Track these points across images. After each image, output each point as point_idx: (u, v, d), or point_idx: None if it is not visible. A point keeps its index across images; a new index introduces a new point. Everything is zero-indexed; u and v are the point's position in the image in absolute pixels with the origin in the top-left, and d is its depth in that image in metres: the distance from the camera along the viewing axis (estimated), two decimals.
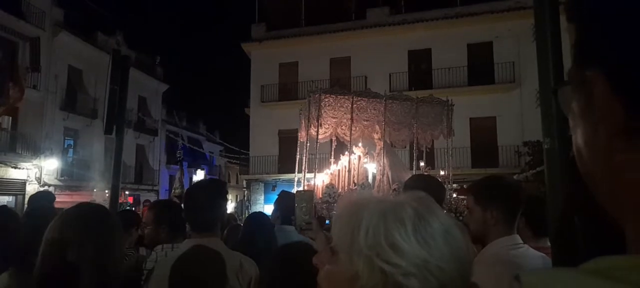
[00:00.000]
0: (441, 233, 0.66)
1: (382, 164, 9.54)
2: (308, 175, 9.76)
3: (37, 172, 18.76)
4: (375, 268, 0.64)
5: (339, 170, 10.47)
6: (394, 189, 8.20)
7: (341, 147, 10.63)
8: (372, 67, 19.69)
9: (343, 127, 9.73)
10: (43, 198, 4.10)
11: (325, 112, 9.19)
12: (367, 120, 9.58)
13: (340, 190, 9.26)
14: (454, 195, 8.65)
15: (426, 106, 9.96)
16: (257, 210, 6.37)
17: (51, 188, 16.46)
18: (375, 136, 10.12)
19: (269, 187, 20.63)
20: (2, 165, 17.51)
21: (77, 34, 20.92)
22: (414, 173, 9.23)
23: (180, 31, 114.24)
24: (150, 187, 25.52)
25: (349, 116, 9.26)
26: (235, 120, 63.23)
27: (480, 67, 18.75)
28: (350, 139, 9.55)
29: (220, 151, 35.17)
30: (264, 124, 21.10)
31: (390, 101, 9.66)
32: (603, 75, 0.38)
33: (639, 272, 0.33)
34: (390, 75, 19.56)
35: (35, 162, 18.61)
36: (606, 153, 0.39)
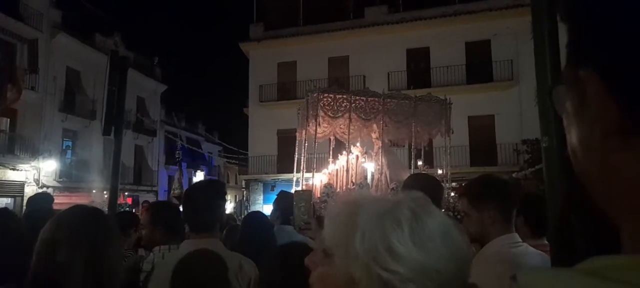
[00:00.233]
0: (439, 234, 0.65)
1: (380, 163, 9.55)
2: (306, 175, 9.77)
3: (36, 173, 18.73)
4: (373, 275, 0.62)
5: (337, 170, 10.49)
6: (392, 188, 8.21)
7: (340, 146, 10.64)
8: (371, 66, 19.69)
9: (341, 127, 9.74)
10: (42, 199, 4.10)
11: (323, 111, 9.20)
12: (365, 119, 9.59)
13: (338, 189, 9.27)
14: (453, 194, 8.65)
15: (424, 105, 9.98)
16: (255, 210, 6.37)
17: (50, 190, 16.42)
18: (374, 135, 10.13)
19: (268, 187, 20.63)
20: (1, 166, 17.48)
21: (75, 35, 20.88)
22: (412, 172, 9.23)
23: (178, 32, 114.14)
24: (149, 188, 25.50)
25: (347, 115, 9.27)
26: (234, 121, 63.24)
27: (479, 66, 18.78)
28: (348, 138, 9.55)
29: (219, 151, 35.17)
30: (263, 123, 21.10)
31: (389, 100, 9.67)
32: (597, 74, 0.38)
33: (635, 272, 0.33)
34: (388, 74, 19.57)
35: (33, 163, 18.58)
36: (601, 153, 0.39)
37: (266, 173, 20.91)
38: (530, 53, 1.58)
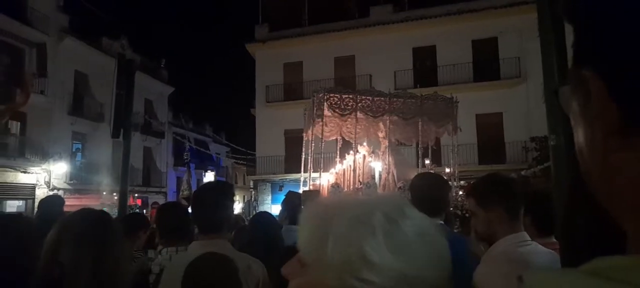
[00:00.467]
0: (416, 238, 0.61)
1: (387, 163, 9.53)
2: (314, 175, 9.77)
3: (46, 176, 18.94)
4: (347, 286, 0.58)
5: (344, 170, 10.48)
6: (400, 187, 8.19)
7: (347, 146, 10.63)
8: (377, 65, 19.66)
9: (348, 126, 9.73)
10: (53, 202, 4.15)
11: (329, 111, 9.20)
12: (371, 119, 9.57)
13: (345, 189, 9.26)
14: (461, 193, 8.62)
15: (431, 104, 9.93)
16: (263, 210, 6.38)
17: (60, 192, 16.59)
18: (380, 135, 10.11)
19: (275, 187, 20.67)
20: (12, 169, 17.70)
21: (82, 39, 21.09)
22: (420, 171, 9.21)
23: (184, 33, 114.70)
24: (158, 190, 25.67)
25: (354, 115, 9.26)
26: (241, 121, 63.45)
27: (485, 63, 18.67)
28: (355, 137, 9.54)
29: (227, 152, 35.29)
30: (270, 124, 21.14)
31: (395, 99, 9.64)
32: (598, 75, 0.38)
33: (638, 272, 0.34)
34: (395, 73, 19.51)
35: (44, 166, 18.79)
36: (602, 152, 0.39)
37: (274, 174, 20.96)
38: (537, 50, 1.58)
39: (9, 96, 16.10)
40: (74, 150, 21.04)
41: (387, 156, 9.59)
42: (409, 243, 0.60)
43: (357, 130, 9.51)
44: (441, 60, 19.39)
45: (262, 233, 2.86)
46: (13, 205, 17.64)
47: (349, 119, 9.41)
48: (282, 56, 21.56)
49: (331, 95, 9.34)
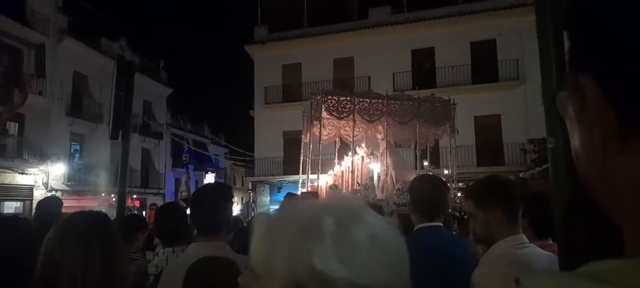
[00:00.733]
0: (368, 243, 0.58)
1: (385, 164, 9.54)
2: (312, 177, 9.77)
3: (44, 177, 18.90)
4: None
5: (342, 171, 10.48)
6: (398, 189, 8.20)
7: (345, 147, 10.64)
8: (375, 67, 19.68)
9: (346, 128, 9.74)
10: (51, 203, 4.15)
11: (327, 113, 9.21)
12: (370, 121, 9.59)
13: (343, 190, 9.27)
14: (459, 195, 8.63)
15: (428, 106, 9.95)
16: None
17: (58, 194, 16.56)
18: (379, 136, 10.12)
19: (274, 188, 20.66)
20: (10, 171, 17.66)
21: (81, 40, 21.06)
22: (418, 173, 9.22)
23: (183, 35, 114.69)
24: (156, 191, 25.64)
25: (351, 117, 9.27)
26: (239, 123, 63.39)
27: (484, 65, 18.71)
28: (353, 139, 9.55)
29: (226, 153, 35.27)
30: (269, 125, 21.14)
31: (392, 101, 9.65)
32: (595, 80, 0.39)
33: (634, 275, 0.34)
34: (393, 75, 19.54)
35: (42, 167, 18.75)
36: (600, 157, 0.40)
37: (273, 175, 20.95)
38: (536, 52, 1.58)
39: (8, 97, 16.08)
40: (72, 151, 21.00)
41: (385, 158, 9.60)
42: (361, 249, 0.57)
43: (356, 132, 9.52)
44: (440, 62, 19.42)
45: None
46: (11, 207, 17.59)
47: (347, 121, 9.43)
48: (281, 57, 21.58)
49: (328, 97, 9.35)
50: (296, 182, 11.20)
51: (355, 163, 9.72)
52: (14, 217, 2.36)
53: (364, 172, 9.88)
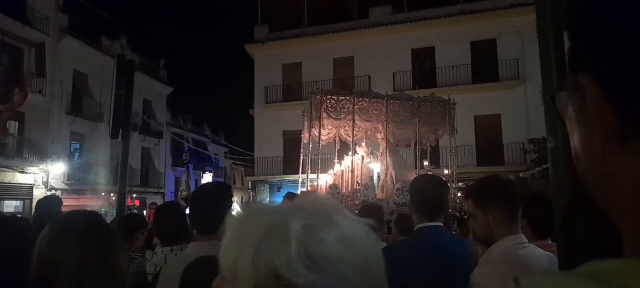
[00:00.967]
0: (337, 245, 0.55)
1: (386, 164, 9.54)
2: (312, 176, 9.77)
3: (44, 176, 18.91)
4: None
5: (342, 171, 10.48)
6: (398, 189, 8.20)
7: (346, 147, 10.64)
8: (376, 66, 19.68)
9: (346, 128, 9.74)
10: (51, 202, 4.14)
11: (327, 113, 9.21)
12: (369, 121, 9.59)
13: (344, 190, 9.27)
14: (459, 195, 8.62)
15: (428, 106, 9.95)
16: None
17: (58, 193, 16.58)
18: (379, 136, 10.12)
19: (274, 188, 20.67)
20: (10, 170, 17.66)
21: (82, 39, 21.07)
22: (418, 172, 9.22)
23: (184, 34, 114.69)
24: (156, 190, 25.64)
25: (351, 117, 9.27)
26: (240, 122, 63.44)
27: (485, 65, 18.70)
28: (353, 139, 9.55)
29: (226, 153, 35.27)
30: (269, 125, 21.14)
31: (392, 101, 9.65)
32: (595, 81, 0.39)
33: (632, 275, 0.34)
34: (394, 75, 19.53)
35: (42, 166, 18.75)
36: (600, 157, 0.40)
37: (273, 175, 20.95)
38: (536, 52, 1.58)
39: (8, 96, 16.09)
40: (72, 150, 21.01)
41: (386, 157, 9.60)
42: (328, 253, 0.54)
43: (356, 131, 9.53)
44: (440, 62, 19.41)
45: None
46: (11, 206, 17.60)
47: (347, 121, 9.43)
48: (281, 57, 21.57)
49: (328, 97, 9.35)
50: (296, 182, 11.21)
51: (356, 163, 9.72)
52: (12, 217, 2.36)
53: (364, 172, 9.88)
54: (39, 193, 17.30)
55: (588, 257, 0.41)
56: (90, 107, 21.24)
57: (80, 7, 21.50)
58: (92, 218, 1.45)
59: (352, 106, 9.23)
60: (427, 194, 2.20)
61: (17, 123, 18.12)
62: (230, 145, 31.40)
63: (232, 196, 2.15)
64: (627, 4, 0.36)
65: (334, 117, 9.24)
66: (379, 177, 9.81)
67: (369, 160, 10.17)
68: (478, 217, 1.76)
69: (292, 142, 18.52)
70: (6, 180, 17.51)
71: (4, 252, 1.55)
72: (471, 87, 18.32)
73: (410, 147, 11.59)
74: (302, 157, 10.32)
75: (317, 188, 9.51)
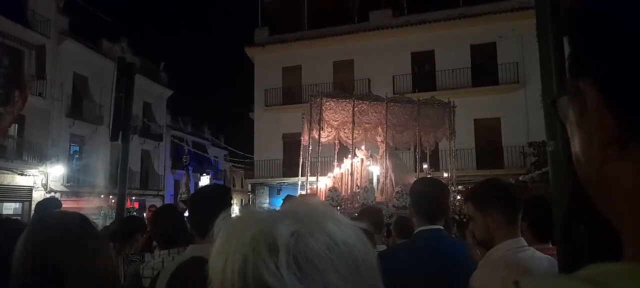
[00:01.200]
0: (327, 251, 0.53)
1: (385, 167, 9.54)
2: (311, 179, 9.77)
3: (44, 178, 18.89)
4: None
5: (342, 174, 10.48)
6: (397, 192, 8.20)
7: (345, 150, 10.64)
8: (376, 69, 19.70)
9: (345, 131, 9.74)
10: (50, 204, 4.14)
11: (327, 115, 9.21)
12: (369, 123, 9.59)
13: (343, 193, 9.27)
14: (458, 197, 8.62)
15: (428, 108, 9.96)
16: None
17: (57, 195, 16.54)
18: (378, 139, 10.12)
19: (273, 190, 20.65)
20: (9, 172, 17.64)
21: (82, 41, 21.09)
22: (418, 175, 9.22)
23: (184, 36, 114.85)
24: (155, 193, 25.62)
25: (351, 119, 9.28)
26: (239, 124, 63.44)
27: (484, 68, 18.72)
28: (353, 142, 9.56)
29: (225, 155, 35.27)
30: (268, 127, 21.15)
31: (392, 104, 9.66)
32: (595, 86, 0.39)
33: (632, 279, 0.34)
34: (393, 78, 19.55)
35: (41, 168, 18.74)
36: (600, 162, 0.40)
37: (272, 177, 20.94)
38: (535, 55, 1.58)
39: (8, 98, 16.10)
40: (71, 152, 20.99)
41: (385, 160, 9.60)
42: (319, 261, 0.52)
43: (355, 134, 9.53)
44: (440, 65, 19.43)
45: None
46: (10, 207, 17.58)
47: (346, 124, 9.43)
48: (281, 60, 21.59)
49: (328, 100, 9.36)
50: (296, 185, 11.20)
51: (355, 165, 9.72)
52: (7, 219, 2.33)
53: (363, 175, 9.88)
54: (38, 196, 17.29)
55: (588, 260, 0.41)
56: (90, 110, 21.24)
57: (81, 10, 21.54)
58: (81, 220, 1.43)
59: (351, 109, 9.24)
60: (427, 197, 2.19)
61: (17, 125, 18.11)
62: (230, 148, 31.39)
63: (231, 198, 2.14)
64: (627, 9, 0.36)
65: (334, 119, 9.25)
66: (378, 179, 9.80)
67: (368, 163, 10.17)
68: (477, 219, 1.76)
69: (291, 145, 18.52)
70: (5, 182, 17.49)
71: (2, 253, 1.54)
72: (471, 90, 18.33)
73: (409, 149, 11.60)
74: (301, 160, 10.31)
75: (317, 191, 9.50)
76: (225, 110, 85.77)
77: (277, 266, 0.50)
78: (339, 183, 10.13)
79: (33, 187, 18.51)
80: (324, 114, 9.16)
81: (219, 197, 2.05)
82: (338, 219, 0.58)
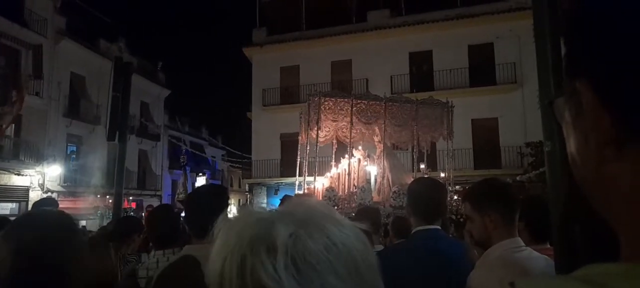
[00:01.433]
0: (325, 253, 0.52)
1: (382, 167, 9.55)
2: (309, 179, 9.77)
3: (41, 178, 18.82)
4: None
5: (339, 174, 10.49)
6: (395, 191, 8.20)
7: (343, 150, 10.65)
8: (373, 69, 19.72)
9: (343, 130, 9.75)
10: (47, 204, 4.13)
11: (325, 115, 9.22)
12: (367, 123, 9.59)
13: (340, 193, 9.27)
14: (456, 197, 8.63)
15: (426, 108, 9.97)
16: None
17: (54, 195, 16.48)
18: (376, 139, 10.13)
19: (271, 190, 20.65)
20: (6, 172, 17.58)
21: (79, 41, 21.03)
22: (415, 175, 9.23)
23: (182, 36, 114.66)
24: (153, 193, 25.56)
25: (349, 119, 9.28)
26: (237, 124, 63.42)
27: (482, 68, 18.75)
28: (350, 142, 9.56)
29: (223, 155, 35.23)
30: (266, 127, 21.14)
31: (390, 103, 9.67)
32: (591, 86, 0.39)
33: (629, 280, 0.34)
34: (391, 78, 19.58)
35: (38, 168, 18.67)
36: (596, 163, 0.40)
37: (270, 177, 20.93)
38: (533, 55, 1.59)
39: (6, 98, 16.04)
40: (68, 152, 20.93)
41: (382, 160, 9.61)
42: (318, 263, 0.51)
43: (353, 134, 9.53)
44: (437, 65, 19.47)
45: None
46: (6, 208, 17.50)
47: (344, 123, 9.43)
48: (279, 60, 21.59)
49: (326, 99, 9.36)
50: (293, 184, 11.20)
51: (352, 165, 9.72)
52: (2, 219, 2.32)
53: (361, 175, 9.88)
54: (35, 196, 17.23)
55: (584, 260, 0.40)
56: (87, 109, 21.18)
57: (78, 9, 21.48)
58: (69, 219, 1.41)
59: (350, 108, 9.25)
60: (425, 197, 2.19)
61: (13, 125, 18.03)
62: (228, 148, 31.33)
63: (227, 198, 2.12)
64: (623, 10, 0.36)
65: (332, 119, 9.26)
66: (375, 179, 9.81)
67: (365, 163, 10.18)
68: (475, 219, 1.76)
69: (289, 145, 18.52)
70: (2, 182, 17.43)
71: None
72: (468, 90, 18.37)
73: (407, 149, 11.60)
74: (299, 160, 10.31)
75: (314, 191, 9.50)
76: (223, 110, 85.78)
77: (275, 267, 0.50)
78: (336, 183, 10.14)
79: (30, 187, 18.45)
80: (321, 114, 9.16)
81: (215, 197, 2.04)
82: (338, 220, 0.58)
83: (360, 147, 10.43)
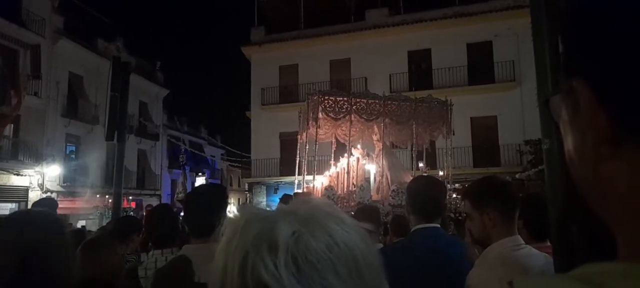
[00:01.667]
0: (327, 252, 0.52)
1: (381, 165, 9.55)
2: (308, 177, 9.77)
3: (40, 178, 18.80)
4: None
5: (338, 172, 10.49)
6: (394, 190, 8.21)
7: (341, 148, 10.64)
8: (372, 68, 19.71)
9: (342, 129, 9.74)
10: (46, 204, 4.13)
11: (324, 114, 9.20)
12: (366, 122, 9.59)
13: (339, 191, 9.27)
14: (454, 196, 8.64)
15: (425, 106, 9.97)
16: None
17: (53, 195, 16.47)
18: (375, 137, 10.13)
19: (271, 189, 20.65)
20: (5, 172, 17.55)
21: (77, 41, 20.99)
22: (414, 174, 9.23)
23: (180, 36, 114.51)
24: (152, 192, 25.55)
25: (348, 118, 9.28)
26: (236, 124, 63.36)
27: (480, 66, 18.76)
28: (349, 140, 9.56)
29: (222, 155, 35.22)
30: (265, 126, 21.13)
31: (389, 102, 9.67)
32: (587, 85, 0.39)
33: (626, 279, 0.34)
34: (390, 76, 19.57)
35: (37, 168, 18.65)
36: (593, 161, 0.40)
37: (269, 176, 20.93)
38: (531, 54, 1.59)
39: (3, 98, 16.02)
40: (67, 152, 20.91)
41: (381, 159, 9.61)
42: (320, 262, 0.51)
43: (352, 132, 9.53)
44: (436, 64, 19.47)
45: None
46: (6, 208, 17.47)
47: (343, 122, 9.43)
48: (277, 59, 21.57)
49: (326, 97, 9.35)
50: (293, 183, 11.20)
51: (351, 164, 9.72)
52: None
53: (360, 173, 9.88)
54: (34, 196, 17.21)
55: (582, 259, 0.40)
56: (85, 109, 21.15)
57: (76, 9, 21.43)
58: (56, 218, 1.40)
59: (349, 107, 9.24)
60: (424, 195, 2.19)
61: (12, 125, 18.01)
62: (227, 147, 31.32)
63: (226, 198, 2.12)
64: (621, 8, 0.36)
65: (331, 117, 9.25)
66: (374, 178, 9.81)
67: (364, 161, 10.18)
68: (474, 217, 1.76)
69: (288, 144, 18.52)
70: (1, 183, 17.41)
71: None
72: (467, 89, 18.37)
73: (406, 148, 11.61)
74: (298, 159, 10.31)
75: (312, 189, 9.51)
76: (222, 110, 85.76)
77: (275, 265, 0.49)
78: (336, 182, 10.13)
79: (29, 187, 18.43)
80: (320, 113, 9.16)
81: (214, 197, 2.03)
82: (341, 219, 0.57)
83: (359, 146, 10.43)
